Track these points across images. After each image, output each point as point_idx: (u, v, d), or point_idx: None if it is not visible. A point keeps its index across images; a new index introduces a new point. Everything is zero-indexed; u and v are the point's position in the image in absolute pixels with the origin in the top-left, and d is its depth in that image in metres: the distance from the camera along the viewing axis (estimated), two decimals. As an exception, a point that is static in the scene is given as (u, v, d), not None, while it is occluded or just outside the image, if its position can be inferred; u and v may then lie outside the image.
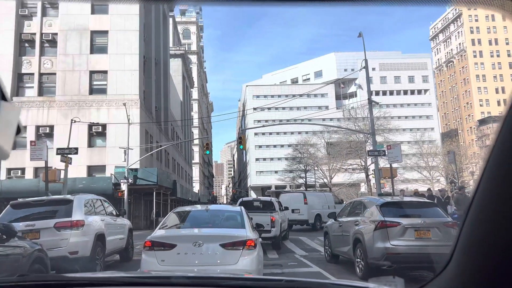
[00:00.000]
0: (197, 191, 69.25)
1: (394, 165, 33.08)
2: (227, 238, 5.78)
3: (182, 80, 68.04)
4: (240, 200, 16.30)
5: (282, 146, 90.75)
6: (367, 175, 41.15)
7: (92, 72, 34.17)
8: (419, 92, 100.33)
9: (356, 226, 8.13)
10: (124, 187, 27.87)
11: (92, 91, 34.13)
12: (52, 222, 7.62)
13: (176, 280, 1.34)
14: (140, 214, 32.00)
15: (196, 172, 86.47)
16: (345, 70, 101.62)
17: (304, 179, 63.25)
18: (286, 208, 17.78)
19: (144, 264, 5.78)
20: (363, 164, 42.68)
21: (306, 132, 76.82)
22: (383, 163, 26.89)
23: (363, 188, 43.97)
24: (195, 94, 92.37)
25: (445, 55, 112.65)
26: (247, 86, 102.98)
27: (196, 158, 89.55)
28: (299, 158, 62.98)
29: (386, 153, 18.93)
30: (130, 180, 28.02)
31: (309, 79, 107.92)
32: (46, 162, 19.41)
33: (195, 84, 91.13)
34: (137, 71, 34.20)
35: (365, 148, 43.16)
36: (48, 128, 32.70)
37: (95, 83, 34.30)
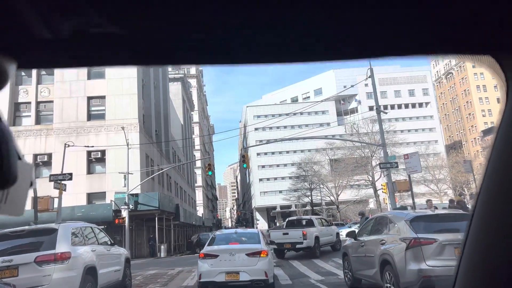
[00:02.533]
0: (201, 215, 67.84)
1: (401, 177, 32.01)
2: (249, 250, 8.81)
3: (182, 104, 67.66)
4: (287, 219, 20.65)
5: (285, 165, 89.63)
6: (375, 191, 39.93)
7: (90, 98, 33.62)
8: (420, 105, 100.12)
9: (382, 245, 7.07)
10: (125, 213, 26.84)
11: (90, 117, 33.49)
12: (32, 256, 6.58)
13: None
14: (142, 241, 30.76)
15: (199, 196, 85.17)
16: (345, 86, 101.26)
17: (310, 198, 62.00)
18: (331, 224, 21.37)
19: (200, 267, 8.89)
20: (371, 179, 41.49)
21: (309, 150, 75.94)
22: (393, 176, 25.81)
23: (372, 204, 42.74)
24: (195, 117, 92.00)
25: (444, 67, 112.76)
26: (247, 106, 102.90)
27: (199, 181, 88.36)
28: (304, 176, 61.89)
29: (404, 163, 17.86)
30: (131, 206, 27.01)
31: (309, 97, 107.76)
32: (35, 190, 18.43)
33: (196, 107, 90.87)
34: (136, 95, 33.63)
35: (371, 163, 42.11)
36: (46, 156, 31.91)
37: (93, 108, 33.71)
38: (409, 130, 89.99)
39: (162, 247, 29.00)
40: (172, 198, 36.72)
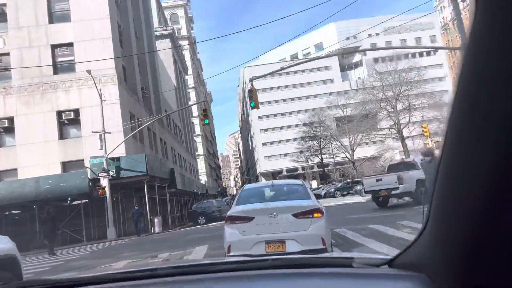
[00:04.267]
0: (204, 183, 62.76)
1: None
2: (297, 209, 6.30)
3: (173, 64, 61.05)
4: (388, 165, 18.56)
5: (289, 127, 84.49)
6: (402, 139, 34.25)
7: (54, 46, 27.44)
8: (428, 53, 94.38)
9: None
10: (104, 182, 21.31)
11: (57, 69, 27.41)
12: None
13: (163, 271, 1.39)
14: (132, 215, 25.32)
15: (201, 164, 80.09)
16: (347, 38, 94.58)
17: (320, 157, 56.76)
18: None
19: (228, 235, 6.40)
20: (396, 128, 35.65)
21: (313, 109, 70.70)
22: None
23: (398, 155, 37.31)
24: (191, 82, 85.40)
25: (451, 13, 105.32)
26: (245, 67, 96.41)
27: (200, 149, 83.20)
28: (313, 133, 56.31)
29: None
30: (111, 173, 21.42)
31: (309, 53, 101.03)
32: None
33: (190, 71, 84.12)
34: (110, 39, 27.40)
35: (395, 108, 36.27)
36: (6, 121, 26.10)
37: (59, 59, 27.59)
38: (418, 81, 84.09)
39: (156, 220, 23.65)
40: (164, 162, 31.12)
